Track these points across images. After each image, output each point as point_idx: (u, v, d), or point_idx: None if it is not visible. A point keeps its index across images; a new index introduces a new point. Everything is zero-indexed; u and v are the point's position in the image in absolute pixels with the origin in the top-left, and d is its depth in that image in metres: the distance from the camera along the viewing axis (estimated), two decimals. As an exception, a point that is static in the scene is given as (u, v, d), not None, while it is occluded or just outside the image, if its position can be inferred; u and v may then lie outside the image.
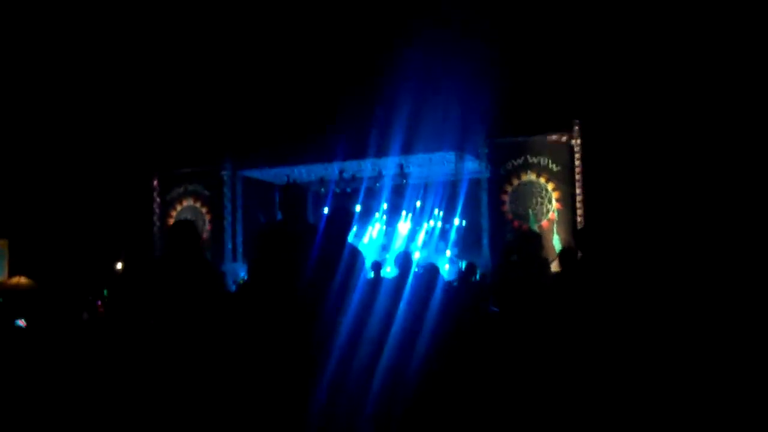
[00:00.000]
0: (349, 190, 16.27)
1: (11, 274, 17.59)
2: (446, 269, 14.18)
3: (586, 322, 6.23)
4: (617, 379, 5.77)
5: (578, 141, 14.08)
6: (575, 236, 6.93)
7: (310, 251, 5.18)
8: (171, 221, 17.07)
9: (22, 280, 16.66)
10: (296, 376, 4.96)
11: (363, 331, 5.13)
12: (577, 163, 13.99)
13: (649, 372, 6.25)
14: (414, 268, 8.61)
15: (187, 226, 5.97)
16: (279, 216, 5.45)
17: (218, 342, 5.55)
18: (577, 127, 14.13)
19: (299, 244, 5.20)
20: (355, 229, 12.35)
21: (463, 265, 11.71)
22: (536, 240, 7.98)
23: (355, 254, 5.15)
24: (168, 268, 5.80)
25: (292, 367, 4.98)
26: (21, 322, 10.62)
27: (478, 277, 11.38)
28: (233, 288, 12.01)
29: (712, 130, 13.82)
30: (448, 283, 10.03)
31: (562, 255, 7.97)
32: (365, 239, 15.83)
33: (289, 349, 5.01)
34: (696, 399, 5.99)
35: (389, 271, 12.24)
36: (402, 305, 6.84)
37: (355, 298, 4.96)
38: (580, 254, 6.22)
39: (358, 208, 15.06)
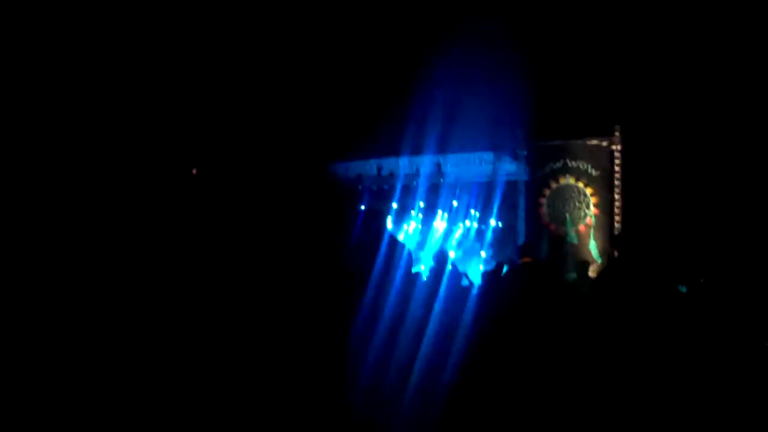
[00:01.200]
0: (386, 187, 16.31)
1: None
2: (481, 269, 14.18)
3: (617, 325, 6.21)
4: (641, 383, 5.75)
5: (619, 146, 13.95)
6: (613, 240, 6.89)
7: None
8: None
9: None
10: (335, 375, 5.01)
11: (401, 329, 5.16)
12: (617, 168, 13.87)
13: (677, 377, 6.21)
14: (449, 267, 8.64)
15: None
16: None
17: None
18: (618, 133, 14.00)
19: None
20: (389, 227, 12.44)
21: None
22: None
23: (401, 249, 5.19)
24: None
25: (330, 365, 5.02)
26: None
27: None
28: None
29: (755, 140, 13.64)
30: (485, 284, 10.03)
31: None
32: (400, 237, 15.86)
33: (327, 347, 5.05)
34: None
35: (423, 269, 12.26)
36: (437, 304, 6.87)
37: (398, 294, 5.00)
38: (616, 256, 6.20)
39: (394, 205, 15.11)
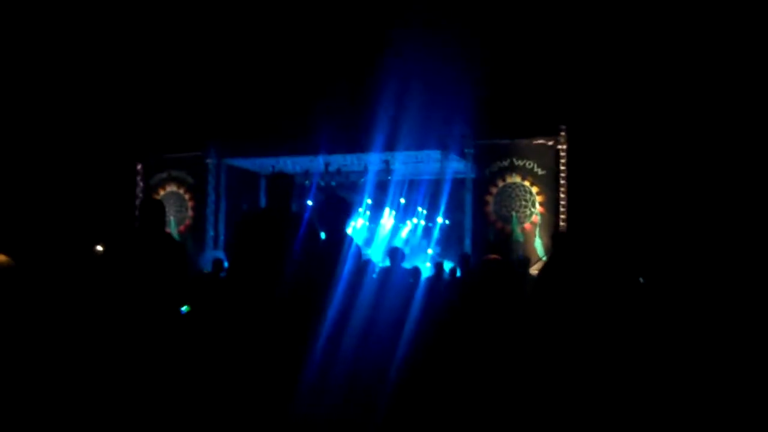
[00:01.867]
0: (333, 183, 16.28)
1: (-11, 252, 17.41)
2: (428, 266, 14.24)
3: (559, 319, 6.31)
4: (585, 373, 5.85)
5: (564, 146, 14.15)
6: (552, 239, 7.00)
7: (296, 239, 5.21)
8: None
9: (1, 257, 16.51)
10: (282, 366, 4.98)
11: (348, 323, 5.16)
12: (562, 168, 14.06)
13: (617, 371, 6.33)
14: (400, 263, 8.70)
15: (156, 203, 5.99)
16: (263, 204, 5.48)
17: (199, 326, 5.56)
18: (563, 132, 14.20)
19: (286, 232, 5.23)
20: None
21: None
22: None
23: (351, 245, 5.20)
24: (136, 243, 5.81)
25: (277, 357, 5.00)
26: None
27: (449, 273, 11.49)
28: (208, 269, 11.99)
29: (698, 137, 13.96)
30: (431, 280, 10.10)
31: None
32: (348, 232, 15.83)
33: (273, 339, 5.03)
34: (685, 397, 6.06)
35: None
36: (387, 299, 6.90)
37: (348, 288, 5.01)
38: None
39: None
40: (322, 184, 16.08)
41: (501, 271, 8.03)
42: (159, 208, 5.87)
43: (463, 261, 10.83)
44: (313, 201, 15.18)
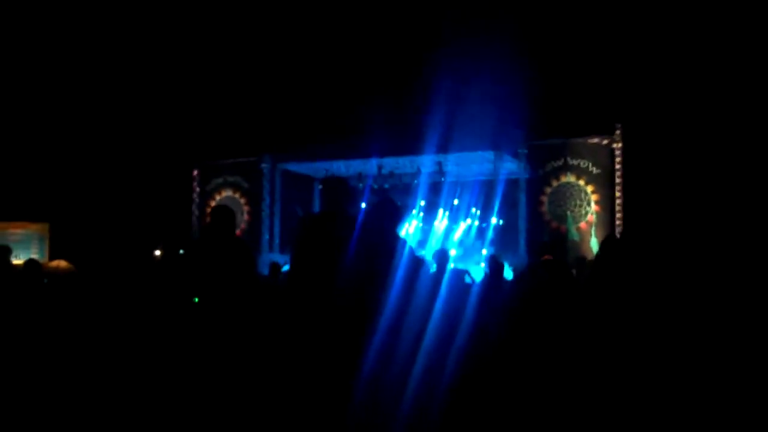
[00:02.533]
0: (387, 186, 16.31)
1: (51, 257, 17.88)
2: (482, 267, 14.18)
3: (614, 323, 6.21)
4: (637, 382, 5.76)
5: (619, 144, 13.96)
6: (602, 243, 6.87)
7: (351, 243, 5.25)
8: (209, 211, 17.27)
9: (62, 263, 16.91)
10: (335, 370, 5.01)
11: (403, 327, 5.17)
12: (617, 166, 13.88)
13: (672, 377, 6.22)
14: (450, 265, 8.68)
15: (225, 210, 6.11)
16: (318, 208, 5.56)
17: (257, 330, 5.62)
18: (618, 131, 14.01)
19: (344, 235, 5.27)
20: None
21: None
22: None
23: (405, 248, 5.21)
24: (206, 249, 5.92)
25: (333, 362, 5.03)
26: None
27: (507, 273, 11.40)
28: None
29: (758, 138, 13.64)
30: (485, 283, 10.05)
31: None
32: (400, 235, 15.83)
33: (328, 343, 5.07)
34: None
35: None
36: (438, 303, 6.87)
37: (402, 292, 5.01)
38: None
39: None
40: (375, 187, 16.12)
41: (556, 272, 7.98)
42: (229, 213, 6.03)
43: (492, 263, 10.71)
44: (366, 204, 15.22)
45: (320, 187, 5.08)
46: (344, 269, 5.15)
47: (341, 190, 5.49)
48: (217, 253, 5.88)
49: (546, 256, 8.98)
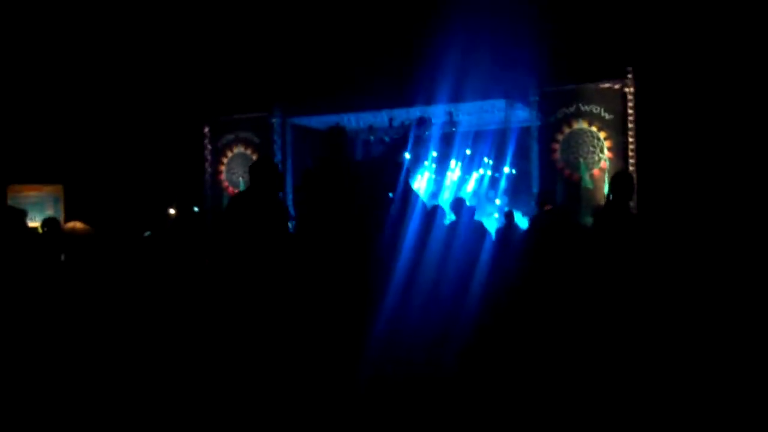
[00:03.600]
0: (397, 137, 16.27)
1: (67, 219, 17.99)
2: (496, 218, 14.22)
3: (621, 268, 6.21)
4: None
5: (632, 89, 13.81)
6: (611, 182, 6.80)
7: (363, 187, 5.27)
8: (222, 168, 17.30)
9: (78, 224, 17.01)
10: (351, 322, 5.07)
11: (418, 274, 5.21)
12: (630, 111, 13.74)
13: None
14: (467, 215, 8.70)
15: (267, 162, 6.05)
16: (320, 157, 5.56)
17: (280, 279, 5.65)
18: (630, 75, 13.86)
19: (347, 183, 5.29)
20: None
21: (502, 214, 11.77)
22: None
23: (417, 200, 5.23)
24: (247, 204, 5.88)
25: (346, 312, 5.08)
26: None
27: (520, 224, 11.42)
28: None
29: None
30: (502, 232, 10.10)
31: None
32: (414, 187, 15.86)
33: (343, 293, 5.11)
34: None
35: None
36: (456, 251, 6.92)
37: (417, 240, 5.05)
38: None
39: (407, 155, 15.09)
40: (387, 139, 16.09)
41: (559, 222, 7.98)
42: (272, 167, 5.93)
43: (505, 217, 10.73)
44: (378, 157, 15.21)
45: (322, 137, 5.10)
46: (357, 217, 5.18)
47: (340, 138, 5.51)
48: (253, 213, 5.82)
49: (546, 206, 9.00)
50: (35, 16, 17.21)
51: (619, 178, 6.55)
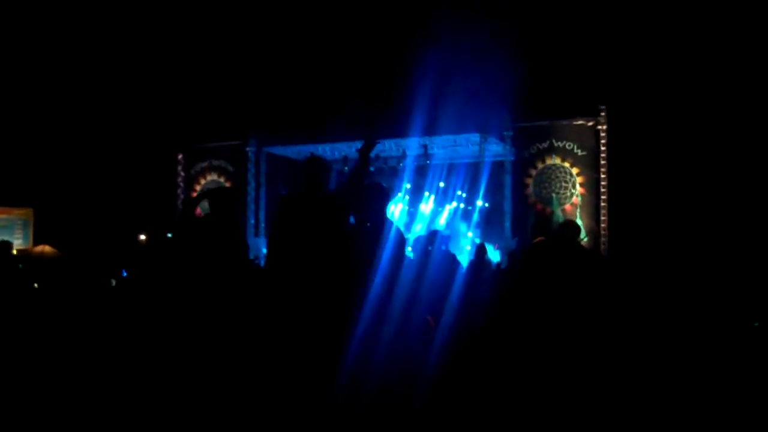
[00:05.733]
0: (372, 168, 16.27)
1: (36, 243, 17.79)
2: (467, 250, 14.24)
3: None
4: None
5: (604, 126, 14.01)
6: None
7: (342, 219, 5.27)
8: (194, 195, 17.20)
9: (47, 248, 16.83)
10: (323, 351, 5.03)
11: (390, 305, 5.19)
12: (602, 148, 13.93)
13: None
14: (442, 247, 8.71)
15: (228, 191, 6.08)
16: (299, 187, 5.55)
17: (247, 312, 5.62)
18: (603, 113, 14.06)
19: (328, 212, 5.29)
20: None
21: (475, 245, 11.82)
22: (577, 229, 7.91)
23: (391, 229, 5.23)
24: (203, 231, 5.89)
25: (318, 341, 5.05)
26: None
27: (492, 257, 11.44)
28: (259, 262, 12.11)
29: (743, 117, 13.71)
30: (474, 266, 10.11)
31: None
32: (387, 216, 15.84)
33: (315, 322, 5.08)
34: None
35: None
36: (428, 284, 6.92)
37: (390, 271, 5.03)
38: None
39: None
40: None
41: (553, 252, 8.00)
42: (228, 195, 6.02)
43: (478, 251, 10.76)
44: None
45: (300, 166, 5.11)
46: (331, 248, 5.17)
47: (320, 169, 5.50)
48: (210, 236, 5.85)
49: (539, 238, 9.02)
50: (10, 41, 17.12)
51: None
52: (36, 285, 12.10)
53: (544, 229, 8.78)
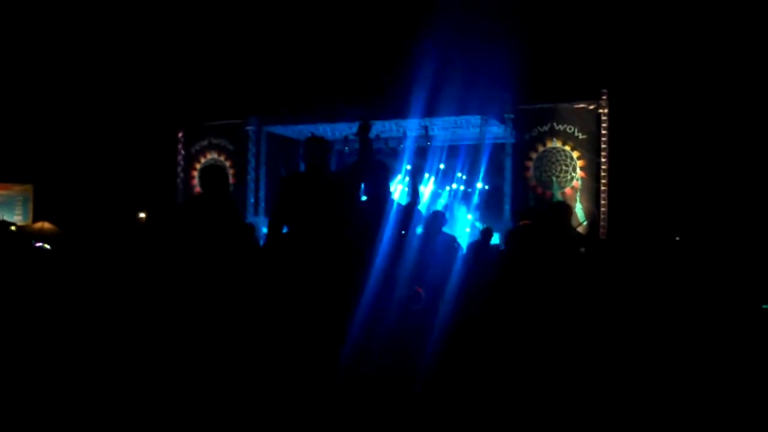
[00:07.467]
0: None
1: (35, 219, 17.81)
2: (467, 232, 14.27)
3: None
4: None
5: (606, 110, 13.99)
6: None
7: (351, 199, 5.29)
8: (194, 173, 17.20)
9: (46, 225, 16.86)
10: (329, 324, 5.07)
11: (394, 282, 5.23)
12: (603, 132, 13.92)
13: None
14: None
15: (219, 170, 6.10)
16: (302, 168, 5.56)
17: (251, 291, 5.64)
18: (605, 97, 14.04)
19: (328, 193, 5.30)
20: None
21: (481, 228, 11.82)
22: (567, 210, 7.94)
23: (393, 205, 5.26)
24: (198, 211, 5.91)
25: (324, 316, 5.08)
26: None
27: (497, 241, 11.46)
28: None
29: (741, 102, 13.72)
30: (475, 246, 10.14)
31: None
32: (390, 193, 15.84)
33: (320, 297, 5.11)
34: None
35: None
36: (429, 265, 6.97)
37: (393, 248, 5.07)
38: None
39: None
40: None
41: (529, 237, 8.03)
42: (220, 173, 6.05)
43: (484, 235, 10.78)
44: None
45: (302, 146, 5.09)
46: (334, 225, 5.19)
47: (321, 148, 5.51)
48: (205, 214, 5.87)
49: (524, 221, 9.06)
50: (10, 19, 17.06)
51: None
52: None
53: (529, 213, 8.81)
